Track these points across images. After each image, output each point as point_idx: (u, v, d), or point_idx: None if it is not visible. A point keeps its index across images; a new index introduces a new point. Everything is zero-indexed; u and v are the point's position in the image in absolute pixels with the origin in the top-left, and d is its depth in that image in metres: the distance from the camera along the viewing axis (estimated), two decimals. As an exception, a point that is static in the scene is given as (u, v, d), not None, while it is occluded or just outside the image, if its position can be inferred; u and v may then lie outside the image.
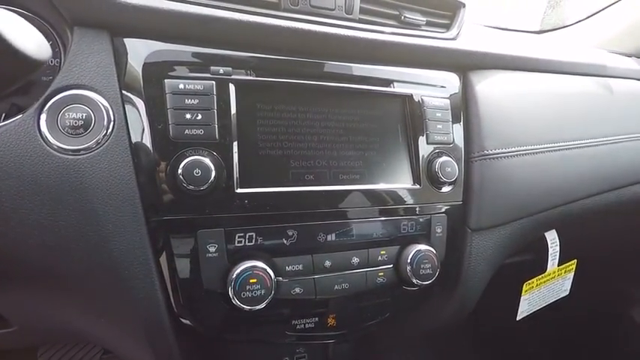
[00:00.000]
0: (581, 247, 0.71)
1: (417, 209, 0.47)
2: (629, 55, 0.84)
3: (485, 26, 0.89)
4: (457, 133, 0.52)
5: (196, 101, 0.38)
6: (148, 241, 0.37)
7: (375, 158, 0.46)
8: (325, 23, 0.43)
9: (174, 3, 0.38)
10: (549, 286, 0.66)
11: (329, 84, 0.45)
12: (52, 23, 0.39)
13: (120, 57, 0.38)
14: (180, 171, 0.37)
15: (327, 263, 0.42)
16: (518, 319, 0.65)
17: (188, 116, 0.38)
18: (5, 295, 0.42)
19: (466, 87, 0.54)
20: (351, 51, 0.46)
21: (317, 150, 0.43)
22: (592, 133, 0.62)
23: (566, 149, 0.59)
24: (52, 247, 0.35)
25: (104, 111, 0.36)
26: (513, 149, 0.54)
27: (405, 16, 0.48)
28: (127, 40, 0.38)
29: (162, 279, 0.39)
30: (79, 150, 0.35)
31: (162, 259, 0.39)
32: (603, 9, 0.97)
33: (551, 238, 0.63)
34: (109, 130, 0.36)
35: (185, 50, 0.40)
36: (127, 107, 0.37)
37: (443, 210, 0.49)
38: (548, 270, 0.64)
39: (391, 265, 0.45)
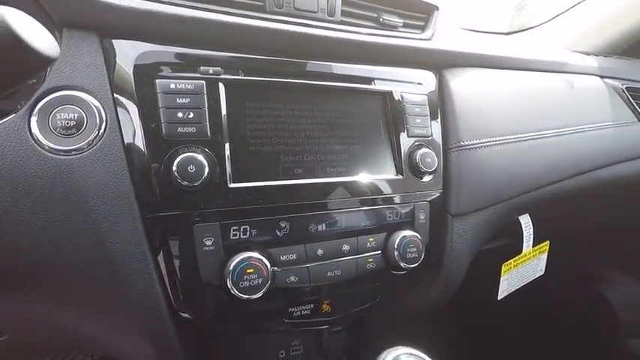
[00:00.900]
0: (553, 229, 0.75)
1: (401, 198, 0.50)
2: (589, 54, 0.90)
3: (459, 28, 0.94)
4: (435, 126, 0.55)
5: (187, 100, 0.40)
6: (145, 238, 0.39)
7: (360, 152, 0.48)
8: (309, 25, 0.46)
9: (161, 5, 0.39)
10: (526, 266, 0.71)
11: (314, 82, 0.47)
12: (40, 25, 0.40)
13: (110, 58, 0.39)
14: (174, 168, 0.38)
15: (320, 252, 0.45)
16: (499, 298, 0.69)
17: (180, 115, 0.39)
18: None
19: (442, 84, 0.57)
20: (334, 51, 0.48)
21: (305, 145, 0.45)
22: (557, 124, 0.67)
23: (534, 139, 0.63)
24: (47, 247, 0.36)
25: (96, 111, 0.37)
26: (486, 140, 0.58)
27: (383, 18, 0.51)
28: (115, 42, 0.39)
29: (160, 274, 0.40)
30: (71, 150, 0.36)
31: (160, 254, 0.40)
32: (565, 11, 1.04)
33: (525, 221, 0.68)
34: (102, 130, 0.37)
35: (175, 51, 0.41)
36: (119, 107, 0.38)
37: (425, 198, 0.52)
38: (523, 251, 0.68)
39: (379, 252, 0.48)
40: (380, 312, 0.55)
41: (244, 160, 0.42)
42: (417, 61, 0.56)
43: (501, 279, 0.68)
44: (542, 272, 0.75)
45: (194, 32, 0.41)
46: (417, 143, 0.52)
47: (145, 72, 0.39)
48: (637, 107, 0.82)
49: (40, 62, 0.32)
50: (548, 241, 0.73)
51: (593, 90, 0.79)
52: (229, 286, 0.39)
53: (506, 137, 0.60)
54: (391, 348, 0.41)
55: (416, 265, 0.48)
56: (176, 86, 0.40)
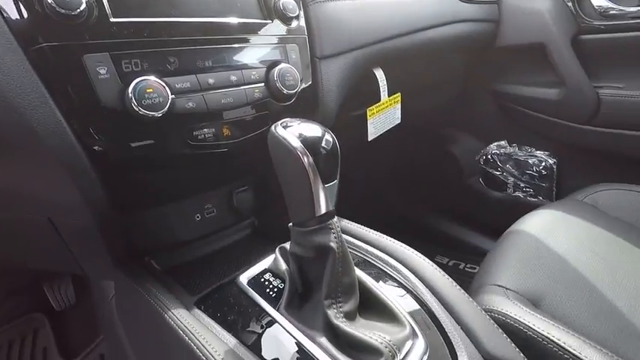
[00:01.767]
0: (404, 84, 0.93)
1: (274, 39, 0.59)
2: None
3: None
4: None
5: None
6: (33, 71, 0.40)
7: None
8: None
9: None
10: (386, 114, 0.87)
11: None
12: None
13: None
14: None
15: (211, 81, 0.51)
16: (369, 139, 0.85)
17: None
18: None
19: None
20: None
21: None
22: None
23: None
24: None
25: None
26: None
27: None
28: None
29: (63, 110, 0.42)
30: None
31: (57, 90, 0.42)
32: None
33: (379, 74, 0.83)
34: None
35: None
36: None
37: (294, 41, 0.61)
38: (382, 99, 0.84)
39: (262, 84, 0.56)
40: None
41: None
42: None
43: (368, 123, 0.83)
44: (399, 121, 0.94)
45: None
46: None
47: None
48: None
49: None
50: (399, 93, 0.91)
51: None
52: (133, 106, 0.43)
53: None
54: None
55: (295, 90, 0.58)
56: None
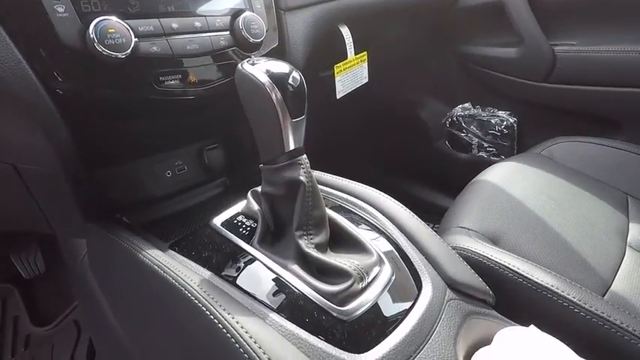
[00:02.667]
0: (370, 43, 0.94)
1: (238, -13, 0.58)
2: None
3: None
4: None
5: None
6: None
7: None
8: None
9: None
10: (354, 72, 0.88)
11: None
12: None
13: None
14: None
15: (174, 25, 0.50)
16: (338, 97, 0.86)
17: None
18: None
19: None
20: None
21: None
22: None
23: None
24: None
25: None
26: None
27: None
28: None
29: (24, 52, 0.41)
30: None
31: (11, 25, 0.40)
32: None
33: (345, 31, 0.83)
34: None
35: None
36: None
37: (257, -9, 0.61)
38: (348, 57, 0.85)
39: (228, 32, 0.56)
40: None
41: None
42: None
43: (336, 80, 0.84)
44: (367, 80, 0.95)
45: None
46: None
47: None
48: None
49: None
50: (366, 51, 0.92)
51: None
52: (95, 45, 0.42)
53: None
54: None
55: (260, 40, 0.58)
56: None
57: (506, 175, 0.82)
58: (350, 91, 0.90)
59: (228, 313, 0.36)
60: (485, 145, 1.26)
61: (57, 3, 0.42)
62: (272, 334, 0.35)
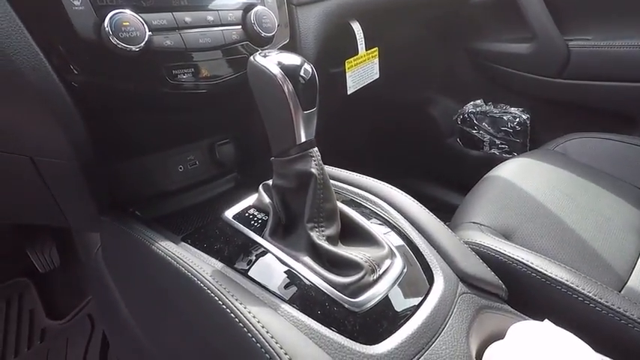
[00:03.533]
0: (381, 40, 0.94)
1: (250, -18, 0.58)
2: None
3: None
4: None
5: None
6: (15, 14, 0.40)
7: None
8: None
9: None
10: (364, 67, 0.88)
11: None
12: None
13: None
14: None
15: (187, 19, 0.51)
16: (348, 93, 0.86)
17: None
18: None
19: None
20: None
21: None
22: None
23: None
24: None
25: None
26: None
27: None
28: None
29: (42, 47, 0.42)
30: None
31: (29, 18, 0.41)
32: None
33: (356, 27, 0.83)
34: None
35: None
36: None
37: (269, -14, 0.61)
38: (359, 53, 0.85)
39: (240, 26, 0.56)
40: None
41: None
42: None
43: (347, 75, 0.84)
44: (378, 75, 0.95)
45: None
46: None
47: None
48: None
49: None
50: (377, 47, 0.91)
51: None
52: (110, 38, 0.43)
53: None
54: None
55: (272, 34, 0.58)
56: None
57: (518, 171, 0.81)
58: (361, 87, 0.89)
59: (241, 303, 0.36)
60: (498, 142, 1.25)
61: (73, -5, 0.42)
62: (284, 324, 0.36)
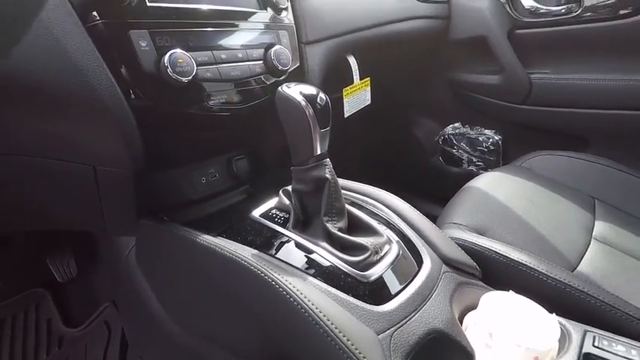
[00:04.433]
0: (372, 70, 1.08)
1: (269, 25, 0.72)
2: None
3: None
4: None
5: None
6: (91, 40, 0.51)
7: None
8: None
9: None
10: (358, 95, 1.02)
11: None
12: None
13: None
14: None
15: (223, 56, 0.63)
16: (345, 116, 0.99)
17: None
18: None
19: None
20: None
21: None
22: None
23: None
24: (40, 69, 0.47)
25: None
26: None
27: None
28: None
29: (115, 74, 0.53)
30: None
31: (107, 55, 0.53)
32: None
33: (352, 60, 0.97)
34: None
35: None
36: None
37: (284, 28, 0.75)
38: (354, 82, 0.99)
39: (262, 61, 0.69)
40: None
41: None
42: None
43: (344, 101, 0.98)
44: (369, 102, 1.09)
45: None
46: None
47: None
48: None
49: None
50: (369, 77, 1.06)
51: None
52: (169, 72, 0.55)
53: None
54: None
55: (287, 68, 0.71)
56: None
57: (491, 183, 0.95)
58: (355, 111, 1.03)
59: (281, 276, 0.47)
60: (475, 159, 1.40)
61: (141, 39, 0.55)
62: (313, 291, 0.46)
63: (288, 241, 0.57)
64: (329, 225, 0.55)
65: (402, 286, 0.51)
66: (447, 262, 0.59)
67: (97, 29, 0.52)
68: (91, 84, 0.51)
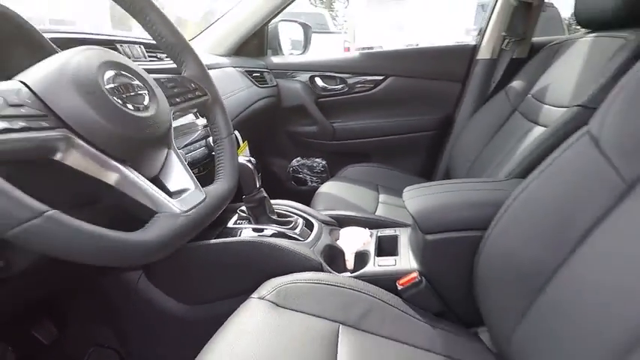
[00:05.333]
0: (246, 136, 1.74)
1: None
2: (223, 55, 1.89)
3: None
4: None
5: None
6: None
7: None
8: None
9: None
10: (244, 152, 1.66)
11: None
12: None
13: None
14: None
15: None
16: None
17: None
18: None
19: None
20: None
21: None
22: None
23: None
24: None
25: None
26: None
27: None
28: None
29: None
30: None
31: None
32: (208, 27, 1.95)
33: (237, 133, 1.61)
34: None
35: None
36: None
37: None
38: (241, 145, 1.62)
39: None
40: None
41: None
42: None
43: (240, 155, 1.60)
44: (249, 154, 1.73)
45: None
46: None
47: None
48: (251, 79, 1.89)
49: None
50: (247, 140, 1.71)
51: (229, 74, 1.77)
52: None
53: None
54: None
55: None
56: None
57: (328, 187, 1.72)
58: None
59: (265, 239, 1.07)
60: (314, 178, 2.19)
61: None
62: (278, 240, 1.08)
63: (261, 230, 1.16)
64: (272, 217, 1.19)
65: (310, 234, 1.18)
66: (323, 222, 1.29)
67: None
68: None
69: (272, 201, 1.34)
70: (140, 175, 0.55)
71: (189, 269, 1.11)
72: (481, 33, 1.82)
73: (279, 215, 1.24)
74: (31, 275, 0.68)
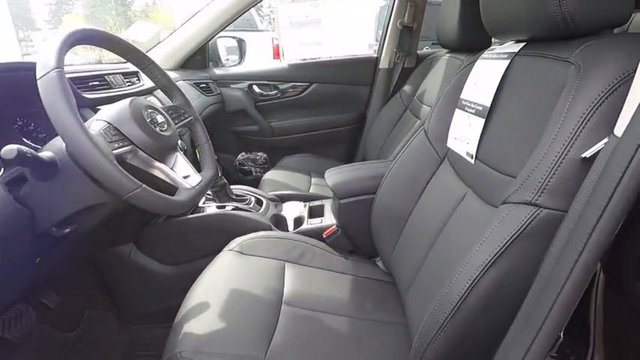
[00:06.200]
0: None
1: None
2: (172, 69, 2.23)
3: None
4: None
5: None
6: None
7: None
8: None
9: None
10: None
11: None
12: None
13: None
14: None
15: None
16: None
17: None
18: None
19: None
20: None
21: None
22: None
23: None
24: None
25: None
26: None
27: None
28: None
29: None
30: None
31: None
32: (158, 43, 2.24)
33: (194, 135, 1.98)
34: None
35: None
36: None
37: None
38: (198, 145, 2.00)
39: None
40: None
41: None
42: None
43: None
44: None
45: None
46: None
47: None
48: (199, 90, 2.25)
49: None
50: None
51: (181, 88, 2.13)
52: None
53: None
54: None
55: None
56: None
57: (271, 175, 2.15)
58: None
59: (232, 211, 1.49)
60: (258, 169, 2.61)
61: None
62: (239, 212, 1.51)
63: (223, 206, 1.57)
64: (232, 197, 1.60)
65: (260, 208, 1.62)
66: (270, 199, 1.73)
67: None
68: None
69: (231, 186, 1.76)
70: (167, 167, 0.96)
71: (172, 238, 1.51)
72: (379, 48, 2.36)
73: (237, 196, 1.67)
74: (84, 238, 1.05)
